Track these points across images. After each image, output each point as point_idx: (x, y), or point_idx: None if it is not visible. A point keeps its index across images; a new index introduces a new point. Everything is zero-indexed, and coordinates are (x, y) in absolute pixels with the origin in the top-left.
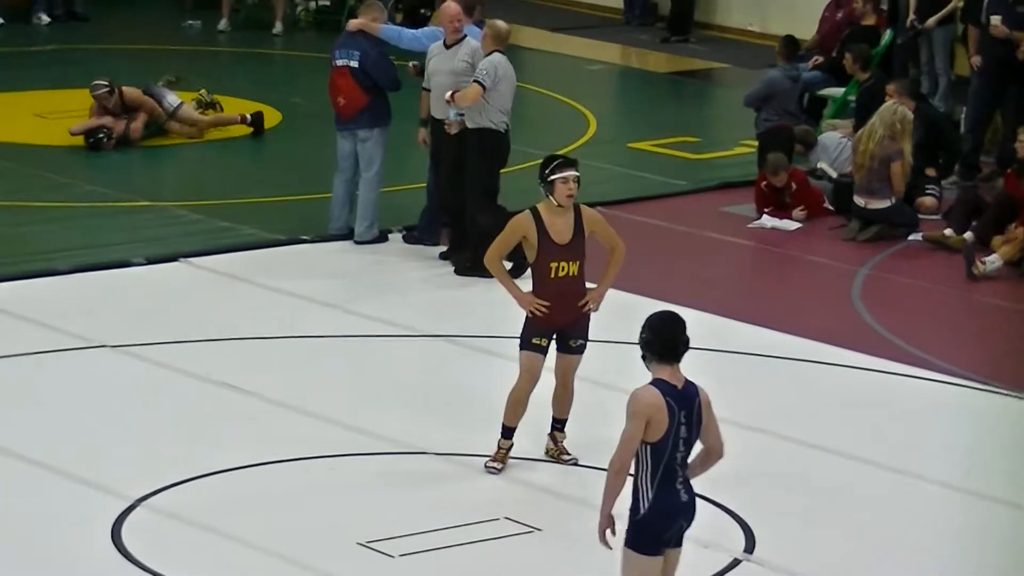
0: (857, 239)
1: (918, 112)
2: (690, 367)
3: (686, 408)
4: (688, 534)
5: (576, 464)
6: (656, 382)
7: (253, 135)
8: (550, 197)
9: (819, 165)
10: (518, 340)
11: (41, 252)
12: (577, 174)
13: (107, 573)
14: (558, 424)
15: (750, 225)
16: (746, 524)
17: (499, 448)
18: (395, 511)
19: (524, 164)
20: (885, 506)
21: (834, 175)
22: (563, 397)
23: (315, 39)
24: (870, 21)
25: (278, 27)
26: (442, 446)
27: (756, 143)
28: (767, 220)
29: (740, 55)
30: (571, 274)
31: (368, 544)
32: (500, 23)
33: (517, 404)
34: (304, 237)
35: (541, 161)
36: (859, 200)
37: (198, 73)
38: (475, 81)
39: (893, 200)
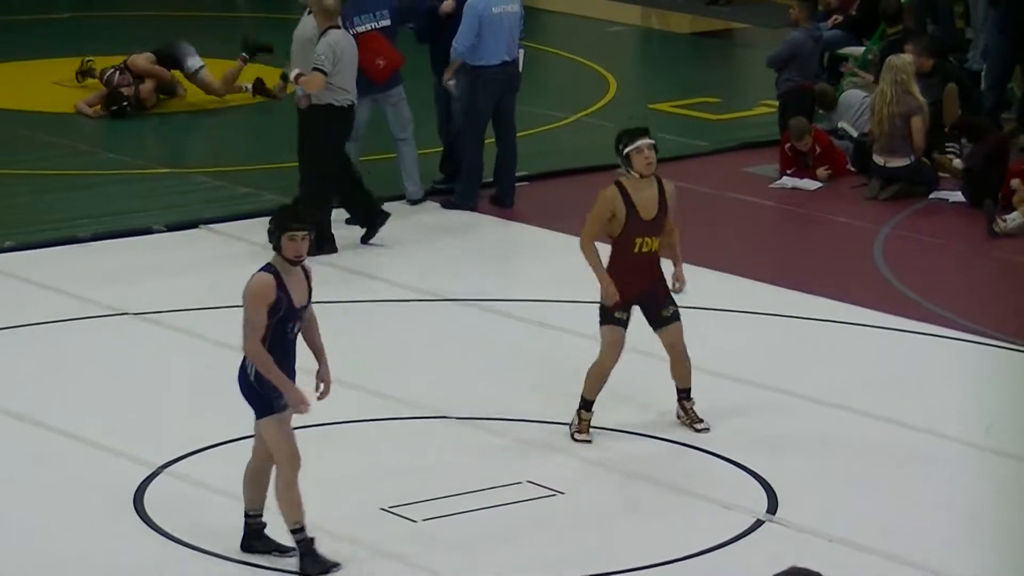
0: (879, 198)
1: (938, 69)
2: (713, 328)
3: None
4: (710, 495)
5: (707, 431)
6: (268, 267)
7: (268, 100)
8: (630, 171)
9: (840, 124)
10: (598, 315)
11: (62, 220)
12: (652, 141)
13: (129, 539)
14: (683, 393)
15: (772, 185)
16: (769, 485)
17: (581, 419)
18: (418, 476)
19: (545, 126)
20: (907, 465)
21: (855, 134)
22: (680, 366)
23: None
24: None
25: None
26: (464, 410)
27: (777, 103)
28: (788, 180)
29: (760, 15)
30: (652, 249)
31: (391, 509)
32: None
33: (600, 379)
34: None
35: (615, 138)
36: (879, 159)
37: (218, 39)
38: (315, 68)
39: (913, 158)
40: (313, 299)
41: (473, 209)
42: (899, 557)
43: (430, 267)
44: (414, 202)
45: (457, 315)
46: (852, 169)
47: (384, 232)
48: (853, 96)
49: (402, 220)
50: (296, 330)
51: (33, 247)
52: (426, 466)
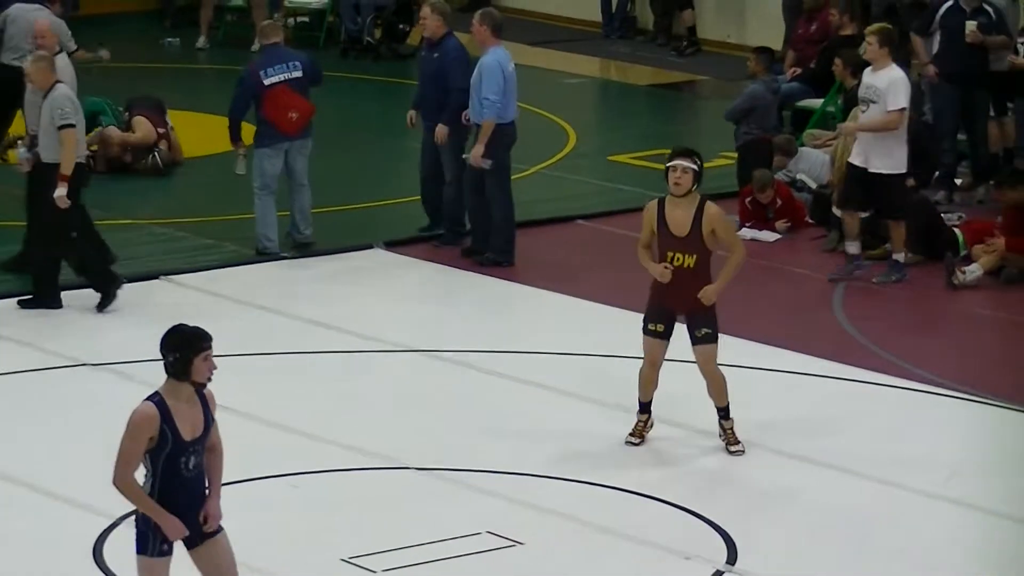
0: (837, 249)
1: None
2: (673, 379)
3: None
4: (670, 545)
5: (742, 454)
6: (154, 396)
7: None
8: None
9: (799, 176)
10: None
11: (22, 271)
12: (685, 164)
13: None
14: (719, 412)
15: None
16: (728, 535)
17: (637, 422)
18: (377, 526)
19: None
20: (867, 515)
21: (814, 186)
22: (711, 387)
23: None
24: (848, 32)
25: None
26: (424, 460)
27: (736, 155)
28: (747, 232)
29: (718, 67)
30: (687, 265)
31: (351, 560)
32: (47, 54)
33: (642, 383)
34: (285, 254)
35: None
36: (838, 211)
37: (178, 90)
38: (67, 126)
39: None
40: (280, 351)
41: (511, 264)
42: None
43: (391, 318)
44: (303, 245)
45: (417, 366)
46: (811, 221)
47: (347, 283)
48: (811, 149)
49: (365, 271)
50: (194, 464)
51: None
52: (386, 516)
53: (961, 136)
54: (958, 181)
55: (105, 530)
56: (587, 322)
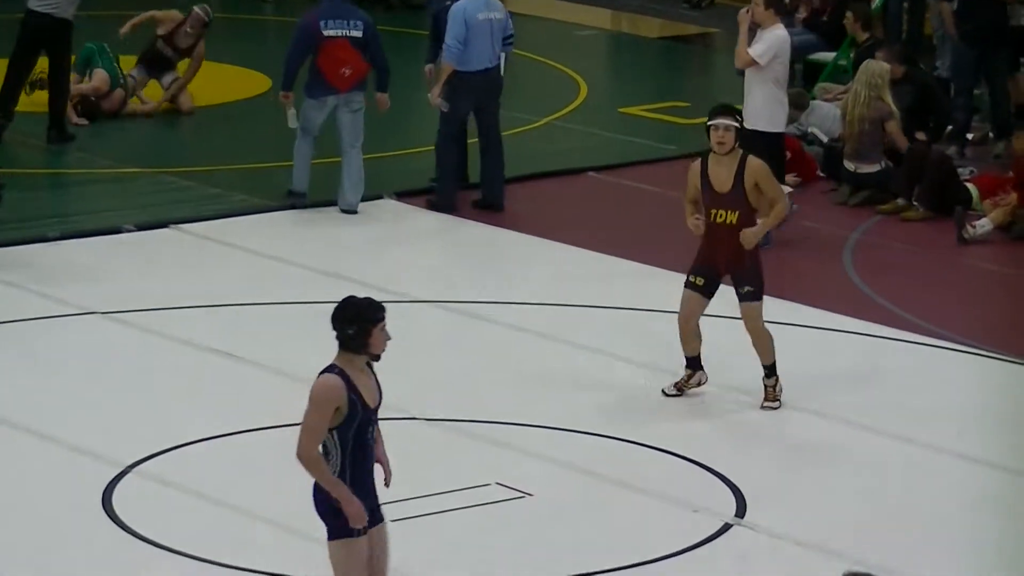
0: (848, 204)
1: (908, 77)
2: (714, 335)
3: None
4: (680, 499)
5: (776, 409)
6: (332, 367)
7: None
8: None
9: (810, 130)
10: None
11: (31, 219)
12: (728, 122)
13: (98, 539)
14: (765, 369)
15: None
16: (737, 488)
17: (683, 376)
18: None
19: (516, 130)
20: (876, 469)
21: (825, 140)
22: (756, 344)
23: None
24: None
25: None
26: (433, 412)
27: None
28: None
29: (729, 19)
30: (729, 222)
31: None
32: None
33: (681, 338)
34: (306, 202)
35: None
36: (849, 165)
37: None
38: None
39: (883, 164)
40: (288, 301)
41: (452, 210)
42: (867, 561)
43: (400, 268)
44: (348, 211)
45: (427, 316)
46: (822, 175)
47: (355, 233)
48: (823, 104)
49: (375, 221)
50: (374, 435)
51: (1, 246)
52: (395, 467)
53: (977, 91)
54: (970, 136)
55: (114, 478)
56: (598, 274)
